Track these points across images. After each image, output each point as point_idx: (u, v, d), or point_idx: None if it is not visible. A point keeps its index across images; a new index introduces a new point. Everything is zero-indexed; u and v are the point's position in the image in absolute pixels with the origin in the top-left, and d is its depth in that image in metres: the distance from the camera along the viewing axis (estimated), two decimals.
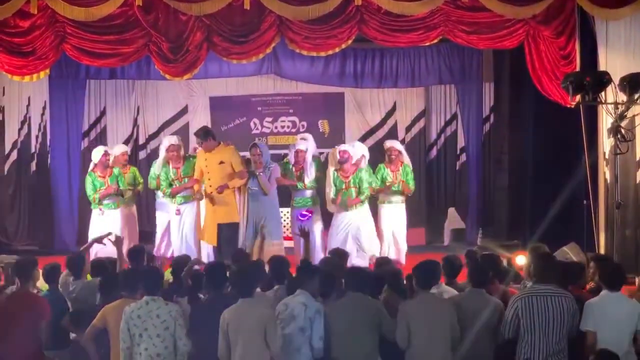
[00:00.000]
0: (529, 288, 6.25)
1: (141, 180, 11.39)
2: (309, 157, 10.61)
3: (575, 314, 6.04)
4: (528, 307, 5.98)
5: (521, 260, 8.83)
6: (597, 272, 7.00)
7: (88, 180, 10.84)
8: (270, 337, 5.95)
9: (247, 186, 10.17)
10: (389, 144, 11.20)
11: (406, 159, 11.03)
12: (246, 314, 5.99)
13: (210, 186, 10.17)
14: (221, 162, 10.10)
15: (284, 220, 11.45)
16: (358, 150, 10.74)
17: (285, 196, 10.96)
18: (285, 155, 11.54)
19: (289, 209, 11.06)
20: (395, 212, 10.91)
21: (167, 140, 10.84)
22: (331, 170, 10.59)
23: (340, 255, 8.05)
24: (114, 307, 6.24)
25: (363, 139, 13.78)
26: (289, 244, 10.90)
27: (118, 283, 6.60)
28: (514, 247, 11.02)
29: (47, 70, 10.86)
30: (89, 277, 7.64)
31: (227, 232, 10.12)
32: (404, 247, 10.93)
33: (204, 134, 10.19)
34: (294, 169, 10.65)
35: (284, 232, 11.31)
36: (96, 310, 6.45)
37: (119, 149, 11.23)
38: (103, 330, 6.26)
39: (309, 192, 10.64)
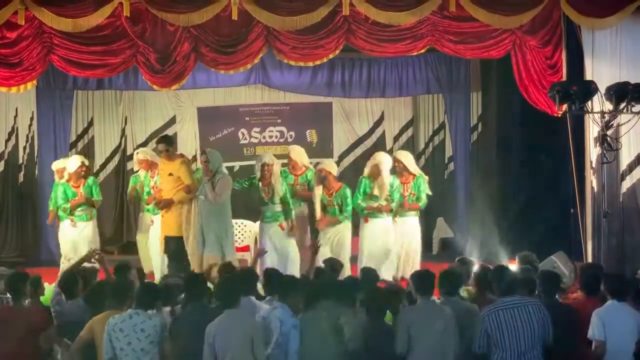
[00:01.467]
0: (495, 302, 6.16)
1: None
2: (277, 171, 10.19)
3: (545, 321, 6.02)
4: (495, 321, 5.94)
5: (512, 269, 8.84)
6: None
7: (59, 189, 10.82)
8: (257, 348, 5.95)
9: (197, 195, 9.87)
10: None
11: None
12: (233, 325, 5.99)
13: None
14: (170, 174, 10.03)
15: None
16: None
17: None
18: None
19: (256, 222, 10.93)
20: (407, 228, 10.65)
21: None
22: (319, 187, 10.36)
23: (333, 265, 8.04)
24: (100, 319, 6.23)
25: (351, 148, 13.81)
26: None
27: (104, 295, 6.59)
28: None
29: (34, 81, 10.84)
30: None
31: (172, 246, 9.97)
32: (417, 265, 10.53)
33: (167, 142, 10.16)
34: (261, 185, 10.20)
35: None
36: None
37: (74, 164, 10.94)
38: (90, 342, 6.24)
39: (279, 207, 10.19)
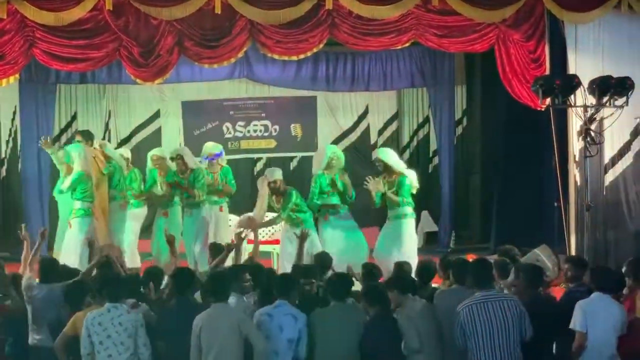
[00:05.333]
0: (471, 297, 6.11)
1: None
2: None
3: (522, 317, 5.98)
4: (469, 316, 5.92)
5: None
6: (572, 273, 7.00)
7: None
8: (252, 336, 5.92)
9: None
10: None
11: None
12: (219, 318, 5.99)
13: None
14: None
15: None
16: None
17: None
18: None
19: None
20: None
21: None
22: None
23: (324, 261, 7.95)
24: (83, 314, 6.21)
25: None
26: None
27: (84, 290, 6.57)
28: (485, 250, 11.08)
29: (17, 75, 10.77)
30: None
31: None
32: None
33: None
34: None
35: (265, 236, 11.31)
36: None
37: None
38: (74, 337, 6.22)
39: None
